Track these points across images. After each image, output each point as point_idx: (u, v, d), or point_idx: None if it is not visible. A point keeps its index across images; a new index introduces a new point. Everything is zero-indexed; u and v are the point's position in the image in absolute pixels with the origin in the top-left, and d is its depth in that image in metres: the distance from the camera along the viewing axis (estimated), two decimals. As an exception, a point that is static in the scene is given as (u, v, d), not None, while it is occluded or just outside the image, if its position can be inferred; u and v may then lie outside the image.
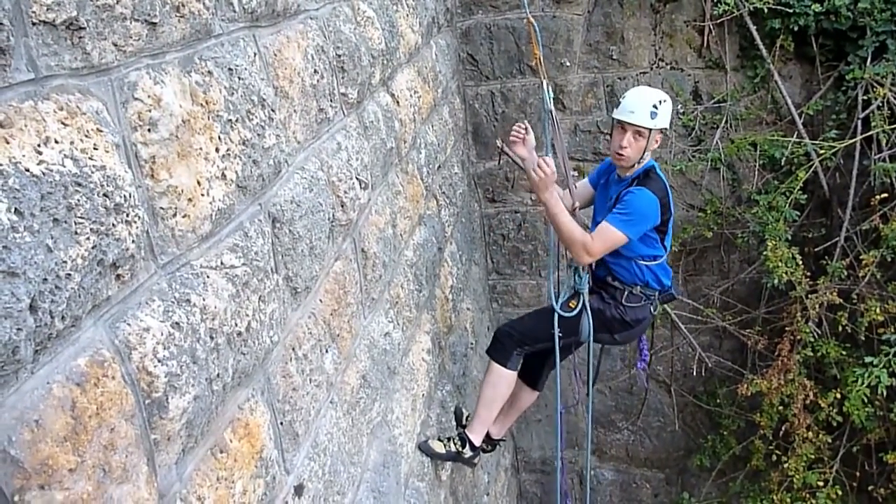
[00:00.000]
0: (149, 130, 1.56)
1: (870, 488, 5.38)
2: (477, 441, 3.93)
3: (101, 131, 1.39)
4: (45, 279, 1.20)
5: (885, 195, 4.89)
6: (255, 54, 2.11)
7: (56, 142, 1.27)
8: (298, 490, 2.18)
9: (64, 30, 1.32)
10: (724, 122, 5.59)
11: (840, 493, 5.27)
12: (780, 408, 5.25)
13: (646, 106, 3.36)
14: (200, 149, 1.74)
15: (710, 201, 5.71)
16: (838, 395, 5.04)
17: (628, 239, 3.36)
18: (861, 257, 5.03)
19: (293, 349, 2.23)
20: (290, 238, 2.24)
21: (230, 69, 1.93)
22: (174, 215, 1.63)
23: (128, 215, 1.44)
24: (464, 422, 4.20)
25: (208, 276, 1.75)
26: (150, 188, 1.56)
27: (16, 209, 1.15)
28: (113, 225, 1.40)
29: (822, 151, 5.16)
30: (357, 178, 2.89)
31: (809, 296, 5.09)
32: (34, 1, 1.24)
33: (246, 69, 2.02)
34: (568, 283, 3.74)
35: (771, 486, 5.42)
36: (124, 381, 1.39)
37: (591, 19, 5.64)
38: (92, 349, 1.34)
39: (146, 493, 1.45)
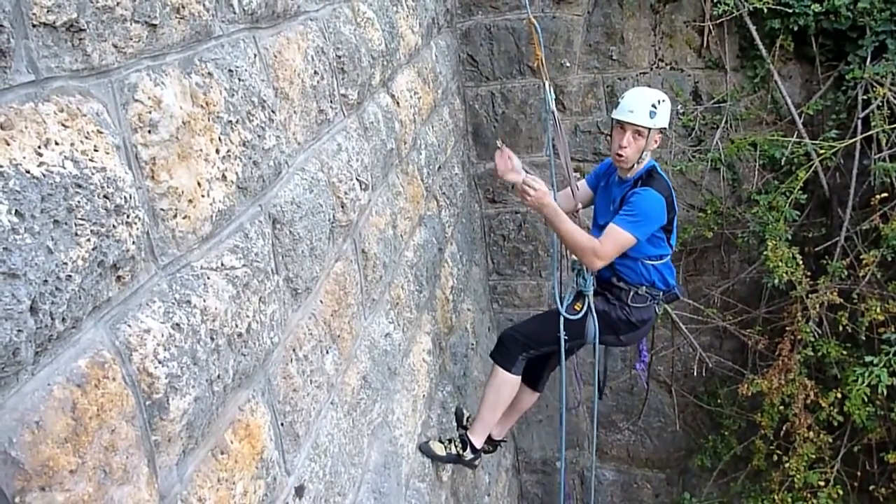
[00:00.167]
0: (149, 132, 1.56)
1: (871, 488, 5.38)
2: (478, 444, 3.92)
3: (101, 133, 1.39)
4: (46, 281, 1.21)
5: (886, 195, 4.90)
6: (255, 56, 2.11)
7: (56, 143, 1.27)
8: (299, 491, 2.18)
9: (64, 31, 1.32)
10: (724, 122, 5.59)
11: (841, 492, 5.27)
12: (781, 408, 5.25)
13: (645, 105, 3.36)
14: (201, 150, 1.74)
15: (711, 201, 5.71)
16: (839, 395, 5.04)
17: (637, 240, 3.36)
18: (861, 257, 5.03)
19: (294, 350, 2.23)
20: (291, 239, 2.24)
21: (230, 70, 1.94)
22: (174, 216, 1.63)
23: (128, 217, 1.45)
24: (464, 422, 4.20)
25: (209, 278, 1.75)
26: (150, 189, 1.56)
27: (16, 211, 1.15)
28: (113, 226, 1.40)
29: (822, 151, 5.16)
30: (357, 179, 2.89)
31: (810, 295, 5.09)
32: (34, 3, 1.24)
33: (246, 70, 2.02)
34: (571, 285, 3.74)
35: (772, 486, 5.42)
36: (125, 383, 1.39)
37: (590, 20, 5.64)
38: (92, 350, 1.34)
39: (147, 495, 1.45)
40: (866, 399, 4.81)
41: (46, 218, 1.22)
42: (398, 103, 3.70)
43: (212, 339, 1.71)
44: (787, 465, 5.24)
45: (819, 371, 5.45)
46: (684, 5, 5.47)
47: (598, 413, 5.79)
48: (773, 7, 5.10)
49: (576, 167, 5.61)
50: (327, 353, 2.49)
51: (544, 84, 3.50)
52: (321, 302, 2.48)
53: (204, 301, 1.70)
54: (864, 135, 5.10)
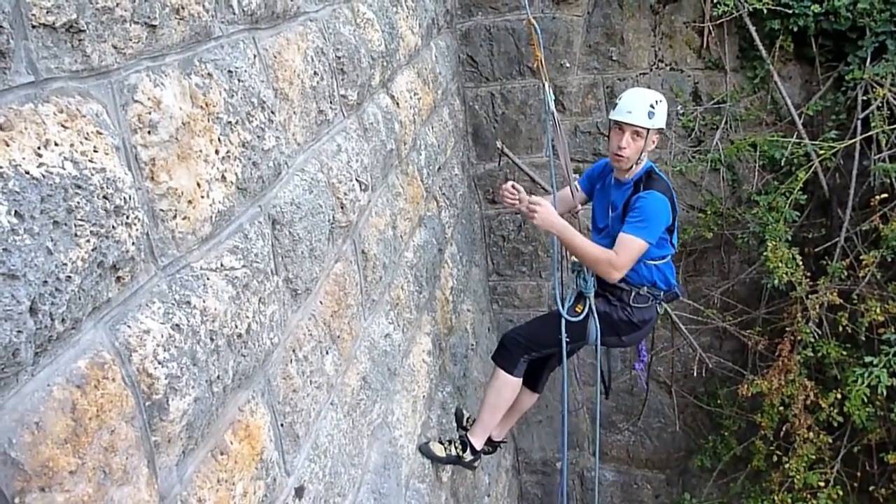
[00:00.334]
0: (149, 133, 1.56)
1: (871, 488, 5.38)
2: (478, 445, 3.92)
3: (101, 134, 1.40)
4: (46, 281, 1.21)
5: (885, 195, 4.89)
6: (254, 56, 2.11)
7: (56, 144, 1.27)
8: (299, 492, 2.18)
9: (64, 32, 1.32)
10: (723, 122, 5.59)
11: (841, 493, 5.27)
12: (781, 408, 5.25)
13: (643, 106, 3.36)
14: (200, 151, 1.74)
15: (710, 202, 5.71)
16: (839, 396, 5.04)
17: (650, 244, 3.36)
18: (861, 257, 5.03)
19: (293, 351, 2.23)
20: (290, 240, 2.24)
21: (230, 71, 1.94)
22: (174, 217, 1.64)
23: (128, 217, 1.45)
24: (464, 423, 4.20)
25: (208, 278, 1.75)
26: (150, 190, 1.57)
27: (16, 212, 1.15)
28: (113, 227, 1.40)
29: (821, 152, 5.16)
30: (357, 180, 2.89)
31: (810, 296, 5.09)
32: (34, 4, 1.24)
33: (246, 71, 2.02)
34: (572, 286, 3.74)
35: (772, 487, 5.42)
36: (124, 383, 1.39)
37: (590, 20, 5.64)
38: (92, 351, 1.34)
39: (147, 495, 1.45)
40: (866, 400, 4.81)
41: (46, 219, 1.22)
42: (398, 104, 3.71)
43: (211, 339, 1.71)
44: (786, 465, 5.24)
45: (819, 372, 5.45)
46: (684, 6, 5.47)
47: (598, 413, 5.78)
48: (773, 8, 5.10)
49: (575, 168, 5.60)
50: (327, 353, 2.49)
51: (544, 85, 3.50)
52: (321, 303, 2.48)
53: (204, 302, 1.70)
54: (863, 135, 5.10)
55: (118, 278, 1.43)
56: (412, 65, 4.14)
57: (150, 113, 1.57)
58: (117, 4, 1.46)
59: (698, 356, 5.88)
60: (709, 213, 5.67)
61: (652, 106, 3.37)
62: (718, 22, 5.34)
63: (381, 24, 3.44)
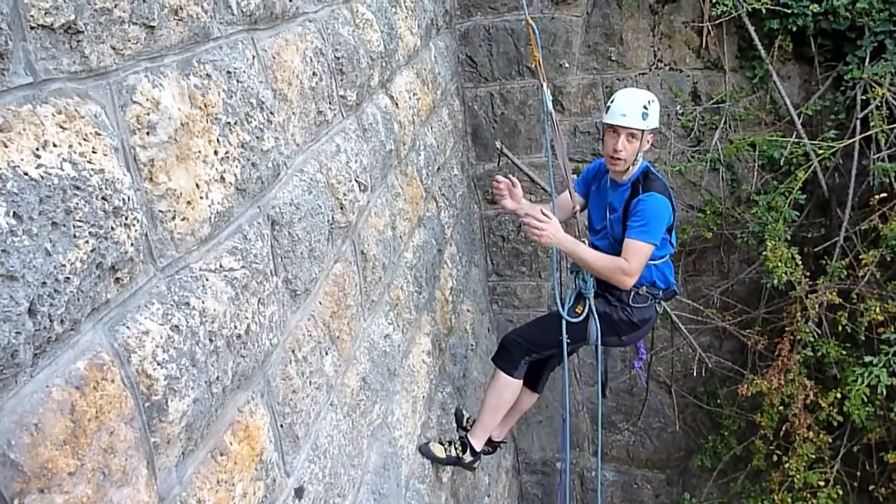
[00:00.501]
0: (147, 133, 1.56)
1: (870, 488, 5.38)
2: (478, 446, 3.93)
3: (99, 135, 1.39)
4: (44, 283, 1.21)
5: (885, 195, 4.90)
6: (253, 57, 2.11)
7: (54, 145, 1.27)
8: (299, 493, 2.18)
9: (62, 34, 1.32)
10: (723, 122, 5.59)
11: (841, 492, 5.27)
12: (781, 408, 5.25)
13: (637, 107, 3.36)
14: (199, 152, 1.74)
15: (710, 202, 5.71)
16: (838, 395, 5.04)
17: (655, 246, 3.36)
18: (860, 257, 5.03)
19: (293, 351, 2.23)
20: (290, 240, 2.24)
21: (229, 72, 1.94)
22: (173, 218, 1.63)
23: (126, 218, 1.45)
24: (464, 423, 4.20)
25: (207, 279, 1.75)
26: (148, 191, 1.56)
27: (14, 213, 1.15)
28: (112, 228, 1.40)
29: (821, 151, 5.16)
30: (356, 181, 2.89)
31: (809, 296, 5.09)
32: (32, 5, 1.24)
33: (244, 72, 2.02)
34: (571, 287, 3.74)
35: (772, 486, 5.43)
36: (124, 385, 1.39)
37: (589, 21, 5.65)
38: (91, 352, 1.34)
39: (146, 496, 1.45)
40: (866, 399, 4.81)
41: (45, 220, 1.22)
42: (397, 104, 3.71)
43: (211, 340, 1.71)
44: (786, 465, 5.24)
45: (818, 371, 5.45)
46: (683, 6, 5.47)
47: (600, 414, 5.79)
48: (772, 7, 5.10)
49: (574, 168, 5.61)
50: (326, 354, 2.49)
51: (542, 85, 3.50)
52: (320, 303, 2.48)
53: (203, 303, 1.70)
54: (862, 135, 5.10)
55: (117, 279, 1.43)
56: (411, 65, 4.14)
57: (148, 114, 1.57)
58: (116, 5, 1.46)
59: (698, 356, 5.88)
60: (708, 212, 5.67)
61: (645, 107, 3.36)
62: (717, 22, 5.35)
63: (379, 24, 3.44)
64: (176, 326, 1.57)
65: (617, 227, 3.47)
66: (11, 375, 1.15)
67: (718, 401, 6.06)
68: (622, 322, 3.65)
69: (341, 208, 2.70)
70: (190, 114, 1.72)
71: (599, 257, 3.41)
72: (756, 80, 5.46)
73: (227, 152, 1.87)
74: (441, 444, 3.79)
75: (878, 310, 4.88)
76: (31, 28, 1.25)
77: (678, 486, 6.64)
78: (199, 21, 1.80)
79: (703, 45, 5.51)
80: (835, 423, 5.19)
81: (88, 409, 1.29)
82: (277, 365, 2.12)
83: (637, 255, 3.33)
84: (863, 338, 5.09)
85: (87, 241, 1.32)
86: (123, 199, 1.44)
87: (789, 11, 5.12)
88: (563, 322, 3.59)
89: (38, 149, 1.23)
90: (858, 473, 5.44)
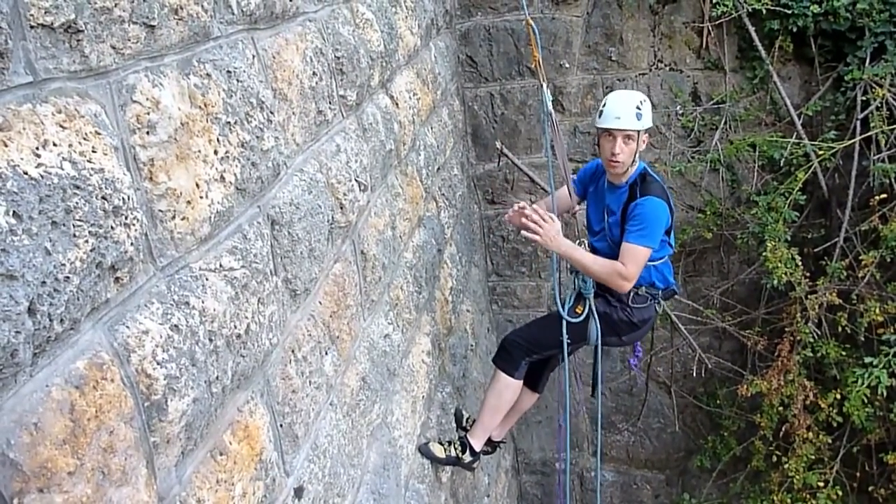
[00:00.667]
0: (147, 133, 1.56)
1: (870, 489, 5.38)
2: (478, 447, 3.93)
3: (99, 134, 1.39)
4: (44, 282, 1.20)
5: (885, 196, 4.90)
6: (253, 56, 2.11)
7: (54, 144, 1.27)
8: (298, 492, 2.18)
9: (62, 33, 1.32)
10: (723, 123, 5.59)
11: (840, 493, 5.27)
12: (780, 408, 5.25)
13: (630, 109, 3.35)
14: (199, 151, 1.74)
15: (710, 202, 5.71)
16: (838, 396, 5.04)
17: (653, 249, 3.37)
18: (860, 258, 5.03)
19: (292, 351, 2.23)
20: (290, 240, 2.24)
21: (229, 72, 1.94)
22: (173, 218, 1.63)
23: (126, 218, 1.45)
24: (464, 423, 4.20)
25: (207, 279, 1.75)
26: (148, 191, 1.56)
27: (14, 212, 1.15)
28: (112, 227, 1.40)
29: (821, 152, 5.16)
30: (356, 180, 2.89)
31: (809, 296, 5.09)
32: (32, 4, 1.24)
33: (244, 71, 2.02)
34: (571, 287, 3.74)
35: (771, 487, 5.42)
36: (123, 384, 1.39)
37: (590, 21, 5.65)
38: (91, 352, 1.34)
39: (146, 496, 1.45)
40: (866, 400, 4.81)
41: (44, 219, 1.22)
42: (397, 104, 3.70)
43: (210, 340, 1.71)
44: (786, 465, 5.24)
45: (818, 372, 5.45)
46: (683, 6, 5.47)
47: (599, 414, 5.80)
48: (772, 8, 5.10)
49: (574, 168, 5.60)
50: (326, 354, 2.48)
51: (542, 85, 3.49)
52: (320, 303, 2.48)
53: (202, 302, 1.70)
54: (863, 136, 5.10)
55: (117, 279, 1.43)
56: (411, 65, 4.14)
57: (148, 113, 1.57)
58: (116, 5, 1.46)
59: (698, 356, 5.88)
60: (708, 213, 5.67)
61: (638, 107, 3.36)
62: (718, 22, 5.34)
63: (380, 24, 3.44)
64: (176, 326, 1.57)
65: (615, 229, 3.48)
66: (11, 375, 1.15)
67: (718, 401, 6.06)
68: (622, 322, 3.65)
69: (341, 208, 2.70)
70: (190, 113, 1.72)
71: (597, 262, 3.42)
72: (756, 81, 5.46)
73: (227, 152, 1.87)
74: (441, 444, 3.80)
75: (877, 311, 4.89)
76: (31, 27, 1.25)
77: (678, 486, 6.65)
78: (199, 20, 1.80)
79: (704, 46, 5.51)
80: (834, 424, 5.19)
81: (88, 409, 1.29)
82: (277, 365, 2.12)
83: (635, 259, 3.34)
84: (863, 339, 5.09)
85: (86, 241, 1.32)
86: (123, 199, 1.43)
87: (790, 12, 5.12)
88: (564, 322, 3.59)
89: (37, 148, 1.23)
90: (858, 474, 5.44)
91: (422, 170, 4.19)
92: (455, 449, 3.83)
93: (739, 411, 5.86)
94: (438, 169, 4.68)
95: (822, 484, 5.23)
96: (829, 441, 5.27)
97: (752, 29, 5.27)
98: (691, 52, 5.58)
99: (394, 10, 3.79)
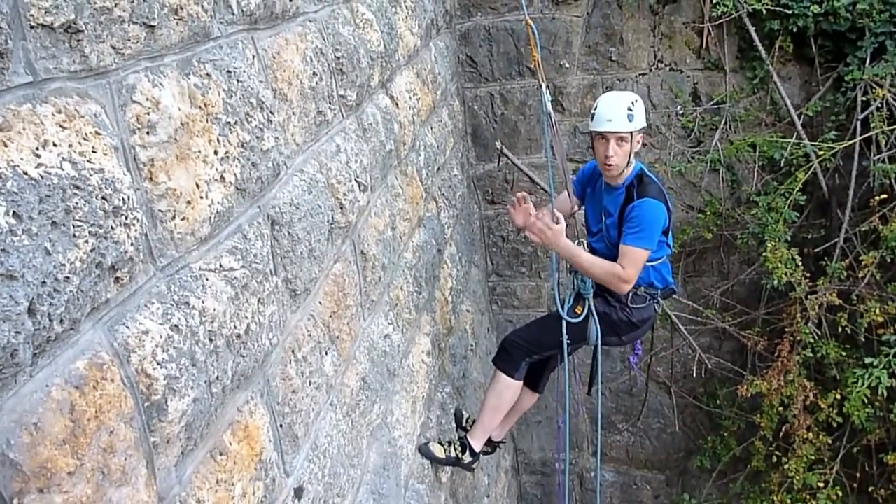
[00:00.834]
0: (147, 133, 1.56)
1: (870, 489, 5.38)
2: (478, 447, 3.93)
3: (99, 134, 1.39)
4: (44, 282, 1.20)
5: (885, 196, 4.89)
6: (253, 57, 2.11)
7: (54, 144, 1.27)
8: (298, 492, 2.18)
9: (62, 33, 1.32)
10: (723, 123, 5.59)
11: (840, 494, 5.27)
12: (780, 409, 5.25)
13: (621, 111, 3.34)
14: (199, 151, 1.74)
15: (710, 202, 5.71)
16: (838, 396, 5.04)
17: (651, 250, 3.37)
18: (861, 258, 5.03)
19: (292, 351, 2.23)
20: (290, 240, 2.24)
21: (229, 72, 1.94)
22: (173, 218, 1.63)
23: (126, 218, 1.44)
24: (464, 424, 4.20)
25: (207, 279, 1.75)
26: (148, 191, 1.56)
27: (14, 212, 1.15)
28: (112, 228, 1.40)
29: (821, 152, 5.16)
30: (356, 181, 2.89)
31: (809, 297, 5.09)
32: (32, 4, 1.24)
33: (244, 71, 2.02)
34: (571, 287, 3.74)
35: (771, 487, 5.42)
36: (123, 384, 1.39)
37: (590, 21, 5.65)
38: (91, 352, 1.33)
39: (145, 496, 1.45)
40: (866, 400, 4.81)
41: (44, 219, 1.21)
42: (397, 104, 3.70)
43: (210, 340, 1.71)
44: (786, 466, 5.24)
45: (818, 372, 5.45)
46: (683, 6, 5.47)
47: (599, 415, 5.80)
48: (773, 8, 5.10)
49: (574, 168, 5.60)
50: (326, 354, 2.48)
51: (541, 85, 3.49)
52: (320, 303, 2.48)
53: (202, 302, 1.70)
54: (863, 136, 5.09)
55: (117, 279, 1.43)
56: (411, 65, 4.14)
57: (148, 113, 1.57)
58: (116, 5, 1.46)
59: (698, 357, 5.88)
60: (708, 213, 5.67)
61: (629, 108, 3.35)
62: (718, 22, 5.34)
63: (380, 24, 3.44)
64: (176, 326, 1.57)
65: (613, 231, 3.48)
66: (11, 375, 1.15)
67: (718, 402, 6.06)
68: (621, 322, 3.65)
69: (341, 208, 2.70)
70: (190, 113, 1.72)
71: (596, 264, 3.43)
72: (756, 81, 5.46)
73: (227, 152, 1.87)
74: (440, 444, 3.80)
75: (878, 311, 4.88)
76: (31, 27, 1.25)
77: (677, 486, 6.64)
78: (199, 20, 1.80)
79: (704, 46, 5.50)
80: (834, 425, 5.19)
81: (88, 409, 1.29)
82: (277, 365, 2.12)
83: (633, 261, 3.36)
84: (863, 339, 5.09)
85: (86, 241, 1.32)
86: (123, 199, 1.43)
87: (790, 12, 5.12)
88: (563, 322, 3.59)
89: (37, 148, 1.23)
90: (858, 475, 5.43)
91: (422, 170, 4.19)
92: (455, 449, 3.83)
93: (739, 412, 5.86)
94: (438, 169, 4.68)
95: (822, 484, 5.23)
96: (829, 441, 5.27)
97: (752, 29, 5.27)
98: (691, 53, 5.57)
99: (394, 10, 3.79)
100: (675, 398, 6.37)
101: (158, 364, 1.49)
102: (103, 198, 1.37)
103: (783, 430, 5.28)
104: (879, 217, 4.94)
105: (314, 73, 2.54)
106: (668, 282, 3.68)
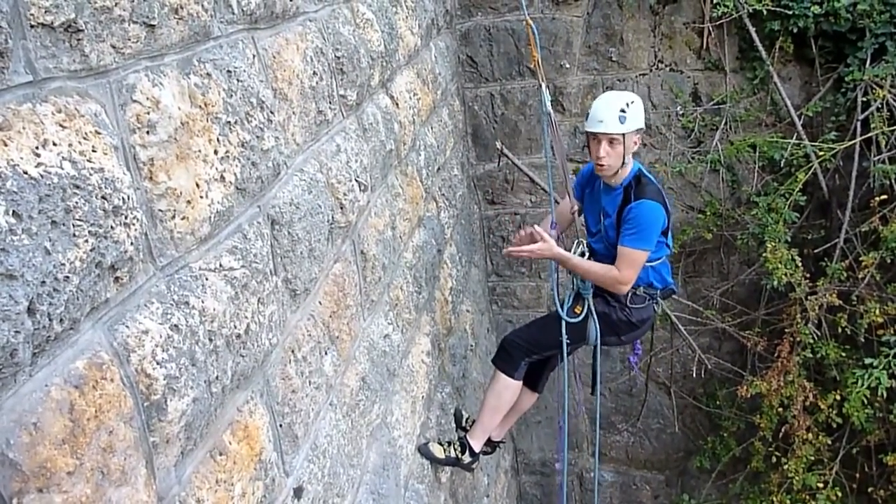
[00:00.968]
0: (147, 132, 1.56)
1: (869, 490, 5.38)
2: (477, 447, 3.93)
3: (99, 133, 1.39)
4: (44, 282, 1.20)
5: (885, 197, 4.89)
6: (253, 56, 2.11)
7: (54, 144, 1.27)
8: (298, 492, 2.18)
9: (62, 32, 1.32)
10: (723, 123, 5.59)
11: (840, 494, 5.27)
12: (780, 409, 5.25)
13: (613, 112, 3.32)
14: (199, 151, 1.74)
15: (710, 203, 5.71)
16: (838, 397, 5.04)
17: (649, 251, 3.38)
18: (860, 259, 5.03)
19: (292, 351, 2.23)
20: (289, 240, 2.24)
21: (229, 71, 1.93)
22: (173, 217, 1.63)
23: (126, 217, 1.44)
24: (464, 424, 4.20)
25: (207, 279, 1.75)
26: (148, 190, 1.56)
27: (14, 212, 1.15)
28: (111, 227, 1.40)
29: (821, 153, 5.16)
30: (356, 180, 2.89)
31: (809, 297, 5.09)
32: (32, 3, 1.24)
33: (245, 71, 2.02)
34: (570, 287, 3.74)
35: (771, 488, 5.42)
36: (123, 384, 1.39)
37: (590, 21, 5.64)
38: (90, 352, 1.33)
39: (145, 496, 1.44)
40: (865, 401, 4.81)
41: (44, 219, 1.21)
42: (397, 104, 3.70)
43: (210, 340, 1.71)
44: (785, 466, 5.24)
45: (818, 373, 5.45)
46: (684, 7, 5.47)
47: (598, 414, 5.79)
48: (773, 9, 5.10)
49: (574, 168, 5.60)
50: (326, 354, 2.48)
51: (541, 85, 3.49)
52: (320, 303, 2.48)
53: (202, 302, 1.69)
54: (863, 137, 5.09)
55: (116, 278, 1.43)
56: (412, 65, 4.14)
57: (148, 113, 1.57)
58: (116, 4, 1.46)
59: (697, 357, 5.88)
60: (708, 214, 5.66)
61: (623, 110, 3.33)
62: (718, 23, 5.34)
63: (380, 24, 3.44)
64: (175, 326, 1.57)
65: (611, 231, 3.48)
66: (10, 374, 1.15)
67: (718, 402, 6.06)
68: (621, 322, 3.66)
69: (341, 208, 2.69)
70: (190, 113, 1.72)
71: (593, 267, 3.47)
72: (757, 82, 5.46)
73: (227, 151, 1.87)
74: (440, 444, 3.80)
75: (877, 312, 4.88)
76: (31, 26, 1.25)
77: (677, 487, 6.64)
78: (199, 20, 1.80)
79: (704, 46, 5.50)
80: (834, 425, 5.19)
81: (87, 409, 1.29)
82: (277, 365, 2.12)
83: (631, 262, 3.37)
84: (863, 340, 5.09)
85: (86, 241, 1.32)
86: (123, 199, 1.43)
87: (790, 13, 5.11)
88: (563, 322, 3.59)
89: (37, 147, 1.23)
90: (857, 475, 5.43)
91: (422, 170, 4.19)
92: (454, 449, 3.83)
93: (739, 412, 5.86)
94: (438, 169, 4.68)
95: (821, 485, 5.23)
96: (829, 442, 5.27)
97: (752, 29, 5.27)
98: (692, 53, 5.57)
99: (394, 10, 3.79)
100: (675, 398, 6.37)
101: (158, 364, 1.49)
102: (103, 197, 1.37)
103: (783, 430, 5.28)
104: (879, 218, 4.94)
105: (314, 73, 2.54)
106: (668, 282, 3.68)
